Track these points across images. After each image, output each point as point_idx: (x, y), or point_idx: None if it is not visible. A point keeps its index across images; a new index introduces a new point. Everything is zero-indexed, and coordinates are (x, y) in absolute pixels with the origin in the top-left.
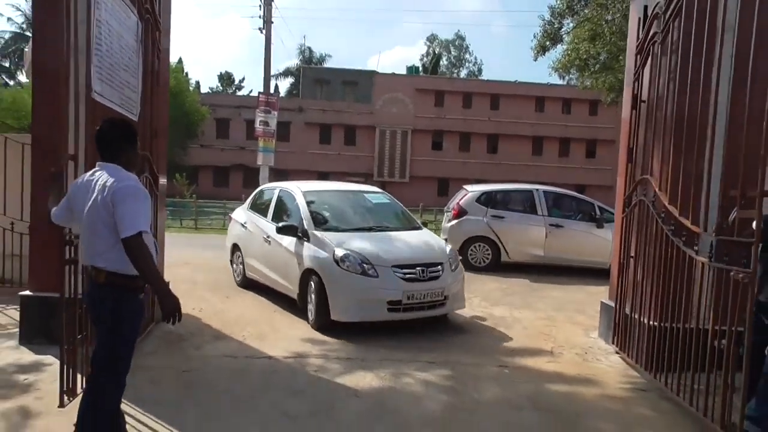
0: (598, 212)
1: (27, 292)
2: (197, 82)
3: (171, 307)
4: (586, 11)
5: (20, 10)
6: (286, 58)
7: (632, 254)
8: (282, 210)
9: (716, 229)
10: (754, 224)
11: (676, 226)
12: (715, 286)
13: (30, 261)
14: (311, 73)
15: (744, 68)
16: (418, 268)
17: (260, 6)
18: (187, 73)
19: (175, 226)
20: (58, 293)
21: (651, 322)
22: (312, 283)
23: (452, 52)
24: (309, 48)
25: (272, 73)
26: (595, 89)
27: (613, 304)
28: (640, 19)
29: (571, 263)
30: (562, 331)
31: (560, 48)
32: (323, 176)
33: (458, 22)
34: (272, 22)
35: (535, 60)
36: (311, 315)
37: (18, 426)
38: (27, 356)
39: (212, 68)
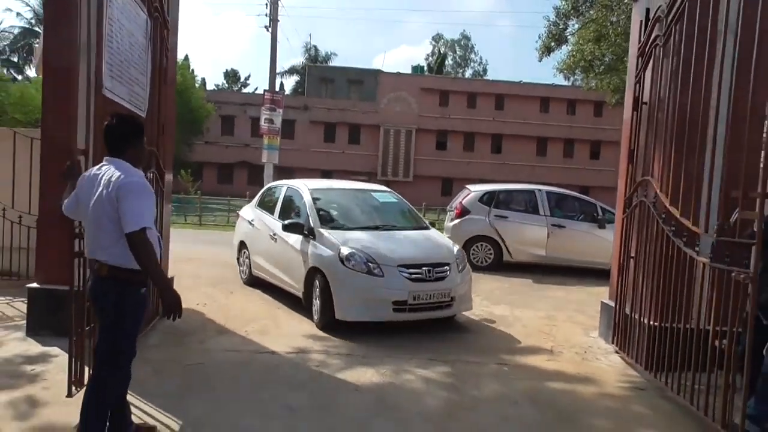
0: (600, 213)
1: (34, 285)
2: (203, 79)
3: (172, 304)
4: (591, 12)
5: (29, 5)
6: (291, 56)
7: (632, 255)
8: (289, 208)
9: (717, 230)
10: (755, 225)
11: (676, 227)
12: (716, 286)
13: (37, 254)
14: (316, 71)
15: (745, 70)
16: (424, 268)
17: (267, 4)
18: (193, 70)
19: (179, 222)
20: (65, 286)
21: (651, 322)
22: (317, 281)
23: (457, 52)
24: (315, 46)
25: (278, 71)
26: (600, 90)
27: (613, 304)
28: (641, 22)
29: (573, 263)
30: (562, 330)
31: (565, 49)
32: (327, 174)
33: (464, 22)
34: (278, 21)
35: (540, 61)
36: (316, 314)
37: (26, 415)
38: (34, 347)
39: (218, 65)
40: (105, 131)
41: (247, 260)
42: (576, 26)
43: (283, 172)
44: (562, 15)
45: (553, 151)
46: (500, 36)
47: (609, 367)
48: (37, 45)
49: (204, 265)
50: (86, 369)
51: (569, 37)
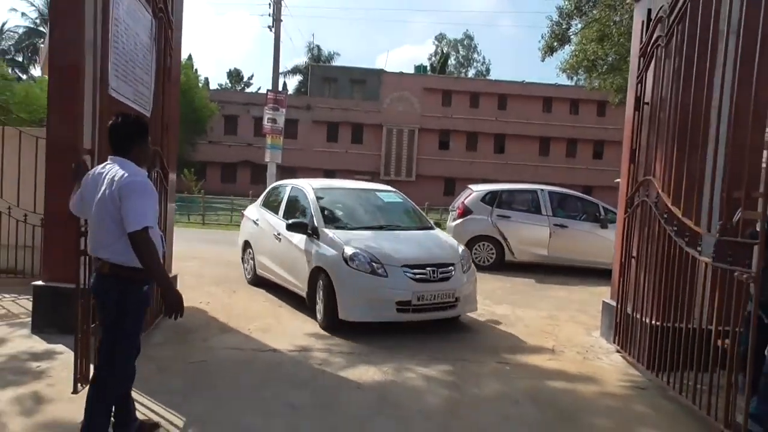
0: (602, 213)
1: (39, 282)
2: (206, 79)
3: (173, 303)
4: (594, 12)
5: (34, 5)
6: (294, 55)
7: (634, 254)
8: (293, 207)
9: (720, 230)
10: (757, 225)
11: (678, 227)
12: (718, 286)
13: (43, 252)
14: (319, 71)
15: (747, 70)
16: (428, 269)
17: (270, 4)
18: (196, 70)
19: (182, 221)
20: (70, 283)
21: (653, 322)
22: (321, 281)
23: (460, 52)
24: (317, 46)
25: (281, 70)
26: (603, 90)
27: (614, 304)
28: (643, 22)
29: (575, 263)
30: (564, 330)
31: (568, 49)
32: (330, 174)
33: (467, 22)
34: (281, 20)
35: (543, 60)
36: (319, 314)
37: (31, 411)
38: (39, 345)
39: (221, 65)
40: (110, 131)
41: (251, 260)
42: (579, 26)
43: (286, 171)
44: (565, 15)
45: (556, 151)
46: (503, 36)
47: (610, 366)
48: (42, 45)
49: (207, 264)
50: (91, 366)
51: (572, 36)
